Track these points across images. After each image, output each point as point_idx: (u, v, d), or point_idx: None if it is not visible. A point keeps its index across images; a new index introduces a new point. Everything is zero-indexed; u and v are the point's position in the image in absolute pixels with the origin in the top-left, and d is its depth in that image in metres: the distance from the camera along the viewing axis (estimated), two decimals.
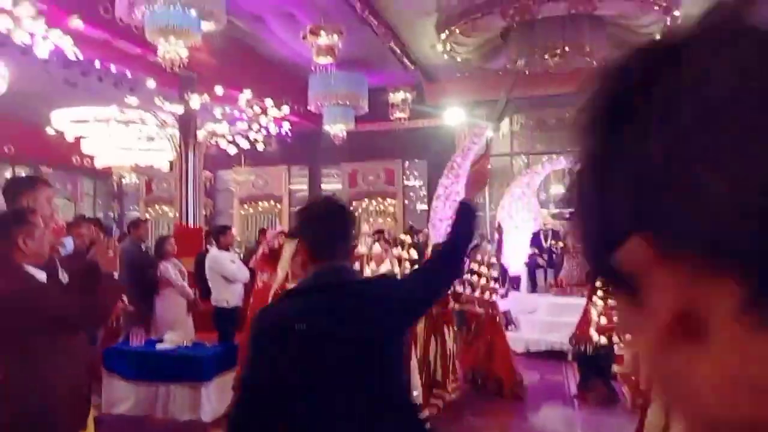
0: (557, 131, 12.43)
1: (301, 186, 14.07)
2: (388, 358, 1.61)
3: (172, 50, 6.39)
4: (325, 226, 1.59)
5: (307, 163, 13.75)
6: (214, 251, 5.47)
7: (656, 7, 8.26)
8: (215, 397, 4.65)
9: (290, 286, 2.98)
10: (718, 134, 0.27)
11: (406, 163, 13.39)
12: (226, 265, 4.80)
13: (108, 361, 4.83)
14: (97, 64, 6.95)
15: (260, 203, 13.85)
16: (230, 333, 5.05)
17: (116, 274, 2.22)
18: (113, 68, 7.48)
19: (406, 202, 13.31)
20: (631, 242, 0.29)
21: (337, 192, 13.95)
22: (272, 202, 13.85)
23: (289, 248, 2.98)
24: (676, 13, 8.42)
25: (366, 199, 13.44)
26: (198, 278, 5.49)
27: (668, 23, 8.73)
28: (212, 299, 5.23)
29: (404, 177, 13.39)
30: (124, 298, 4.12)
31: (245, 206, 13.77)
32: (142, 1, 5.76)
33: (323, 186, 13.98)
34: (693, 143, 0.28)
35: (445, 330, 4.99)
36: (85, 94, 8.49)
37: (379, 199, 13.36)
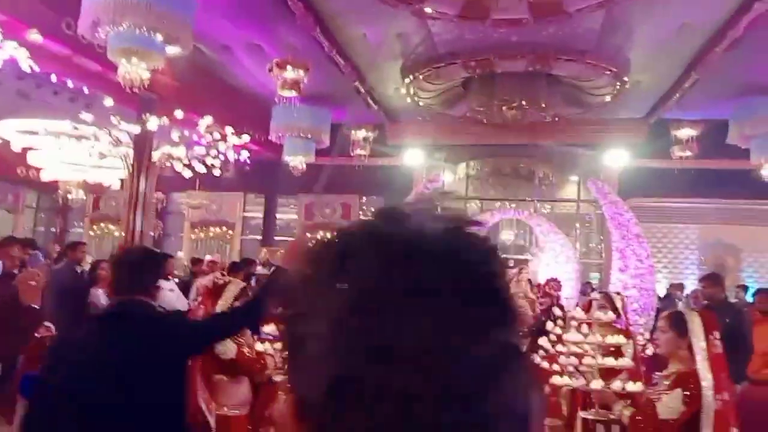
0: (511, 179, 12.85)
1: (255, 214, 13.91)
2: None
3: (133, 71, 6.33)
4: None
5: (264, 192, 13.65)
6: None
7: (607, 72, 8.78)
8: None
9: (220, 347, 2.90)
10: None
11: (363, 199, 13.48)
12: (163, 294, 4.67)
13: (26, 388, 4.59)
14: (54, 78, 6.78)
15: (212, 228, 13.59)
16: None
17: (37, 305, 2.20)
18: (70, 83, 7.32)
19: None
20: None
21: (292, 222, 13.88)
22: (224, 228, 13.62)
23: (233, 287, 2.94)
24: (625, 78, 8.99)
25: (321, 231, 13.39)
26: None
27: (618, 87, 9.29)
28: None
29: (361, 212, 13.45)
30: (48, 324, 3.94)
31: (196, 231, 13.47)
32: (107, 21, 5.70)
33: (278, 215, 13.87)
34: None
35: None
36: (37, 106, 8.26)
37: (335, 232, 13.32)
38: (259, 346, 2.82)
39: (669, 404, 2.20)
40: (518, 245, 12.32)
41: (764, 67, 7.15)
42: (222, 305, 2.85)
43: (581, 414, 2.51)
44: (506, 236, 12.58)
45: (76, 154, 9.55)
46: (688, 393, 2.20)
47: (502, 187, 12.83)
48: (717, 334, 2.26)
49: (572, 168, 12.13)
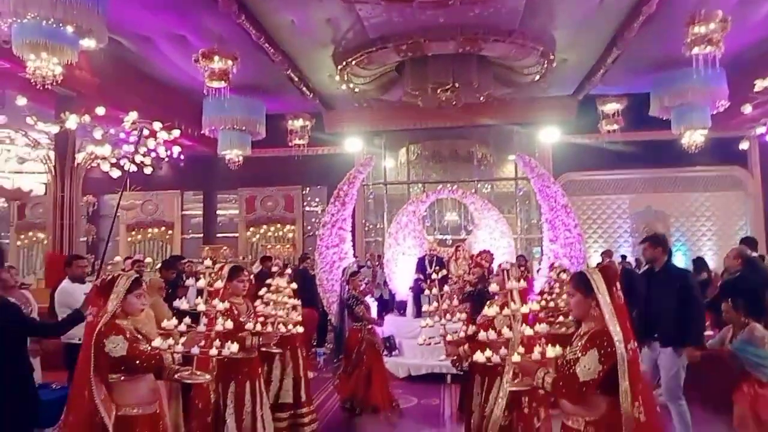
0: (451, 161, 13.01)
1: (195, 211, 13.52)
2: None
3: (44, 67, 5.96)
4: None
5: (202, 188, 13.27)
6: (64, 283, 4.99)
7: (534, 51, 8.98)
8: None
9: (123, 322, 2.79)
10: None
11: (306, 189, 13.34)
12: (77, 299, 4.40)
13: None
14: None
15: (150, 229, 13.11)
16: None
17: None
18: None
19: (307, 227, 13.22)
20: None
21: (234, 218, 13.58)
22: (163, 229, 13.17)
23: (123, 281, 2.84)
24: (552, 56, 9.23)
25: (264, 225, 13.18)
26: (51, 313, 5.00)
27: (545, 66, 9.53)
28: (64, 336, 4.81)
29: (304, 203, 13.31)
30: None
31: (133, 233, 12.96)
32: (8, 14, 5.33)
33: (219, 212, 13.53)
34: None
35: (299, 353, 4.91)
36: None
37: (278, 225, 13.15)
38: (156, 342, 2.72)
39: (587, 366, 2.28)
40: (455, 226, 12.52)
41: (677, 41, 7.49)
42: (114, 300, 2.74)
43: (507, 387, 2.57)
44: (450, 218, 12.76)
45: None
46: (603, 351, 2.27)
47: (442, 169, 12.98)
48: (618, 286, 2.37)
49: (509, 147, 12.40)
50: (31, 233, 13.00)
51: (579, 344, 2.37)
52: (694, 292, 4.37)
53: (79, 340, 4.73)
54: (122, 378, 2.71)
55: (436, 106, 10.06)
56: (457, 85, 9.49)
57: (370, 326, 5.89)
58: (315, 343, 8.86)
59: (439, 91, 9.69)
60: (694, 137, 9.97)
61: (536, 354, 2.38)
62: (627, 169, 12.01)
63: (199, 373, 2.95)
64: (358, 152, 12.12)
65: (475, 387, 3.86)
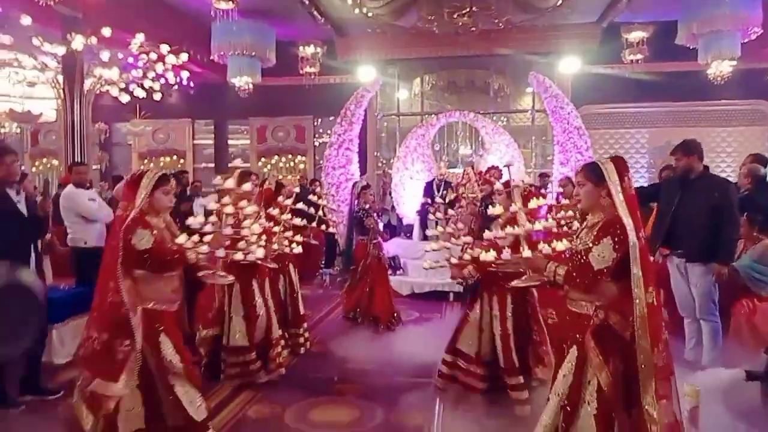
0: (466, 92, 12.67)
1: (206, 141, 13.44)
2: None
3: None
4: None
5: (213, 117, 13.12)
6: (69, 188, 4.98)
7: None
8: (69, 339, 4.64)
9: (152, 220, 2.81)
10: None
11: (318, 121, 13.13)
12: (80, 203, 4.42)
13: None
14: None
15: (162, 158, 13.10)
16: (88, 275, 4.78)
17: None
18: None
19: (318, 158, 13.13)
20: None
21: (245, 148, 13.49)
22: (175, 158, 13.15)
23: (150, 174, 2.86)
24: None
25: (276, 156, 13.11)
26: (56, 217, 5.08)
27: None
28: (68, 239, 4.90)
29: (315, 134, 13.15)
30: None
31: (145, 161, 12.97)
32: None
33: (230, 141, 13.44)
34: None
35: (292, 272, 5.01)
36: None
37: (290, 155, 13.07)
38: (181, 239, 2.75)
39: (601, 254, 2.28)
40: (467, 160, 12.35)
41: None
42: (141, 194, 2.76)
43: (513, 283, 2.58)
44: (463, 152, 12.57)
45: (2, 84, 8.84)
46: (616, 239, 2.26)
47: (457, 100, 12.65)
48: (629, 176, 2.34)
49: (526, 78, 11.99)
50: (45, 159, 13.07)
51: (590, 235, 2.36)
52: (733, 205, 4.06)
53: (85, 243, 4.90)
54: (148, 274, 2.75)
55: (453, 32, 9.67)
56: (474, 9, 9.08)
57: (376, 240, 6.00)
58: (323, 265, 9.03)
59: (455, 15, 9.28)
60: (721, 67, 9.55)
61: (547, 248, 2.39)
62: (648, 101, 11.61)
63: (222, 273, 3.04)
64: (371, 82, 11.81)
65: (483, 305, 3.91)
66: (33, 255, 3.87)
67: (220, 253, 2.82)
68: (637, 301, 2.19)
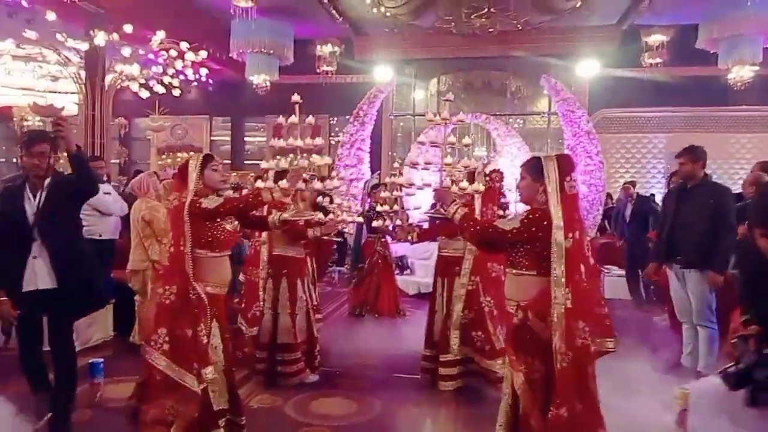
0: (483, 94, 12.65)
1: (223, 137, 13.63)
2: None
3: None
4: None
5: (230, 114, 13.31)
6: None
7: None
8: (83, 328, 4.70)
9: (204, 202, 2.86)
10: None
11: (334, 119, 13.22)
12: (97, 196, 4.57)
13: None
14: None
15: (180, 154, 13.31)
16: (102, 267, 4.95)
17: None
18: None
19: (333, 157, 13.20)
20: None
21: (262, 145, 13.65)
22: (192, 153, 13.32)
23: (196, 158, 2.93)
24: None
25: (291, 154, 13.19)
26: None
27: None
28: (83, 231, 5.05)
29: (331, 133, 13.24)
30: None
31: (163, 157, 13.20)
32: None
33: (246, 138, 13.62)
34: None
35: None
36: None
37: (305, 154, 13.15)
38: (257, 183, 2.86)
39: (507, 221, 2.45)
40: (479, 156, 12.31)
41: None
42: (193, 177, 2.85)
43: (421, 212, 2.77)
44: (478, 152, 12.54)
45: (27, 78, 9.11)
46: (530, 217, 2.35)
47: (474, 102, 12.63)
48: (574, 176, 2.36)
49: None
50: (66, 153, 13.37)
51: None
52: (730, 212, 4.02)
53: (100, 236, 5.05)
54: (208, 254, 2.84)
55: (470, 33, 9.69)
56: (492, 10, 9.09)
57: (384, 239, 6.05)
58: (333, 263, 9.11)
59: (473, 16, 9.31)
60: (742, 72, 9.41)
61: (454, 187, 2.66)
62: (666, 106, 11.46)
63: (309, 212, 3.26)
64: (386, 82, 11.86)
65: (437, 288, 4.17)
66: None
67: (300, 185, 2.97)
68: (556, 302, 2.20)
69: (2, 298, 2.95)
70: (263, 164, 2.89)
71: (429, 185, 2.94)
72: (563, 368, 2.17)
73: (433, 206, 4.93)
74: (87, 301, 3.28)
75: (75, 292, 3.07)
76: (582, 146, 8.03)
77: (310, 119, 3.33)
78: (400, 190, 3.71)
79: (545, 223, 2.28)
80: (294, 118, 3.23)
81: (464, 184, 2.89)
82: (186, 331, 2.72)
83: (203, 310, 2.77)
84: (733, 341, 1.30)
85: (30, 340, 3.15)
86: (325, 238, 4.23)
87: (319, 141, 3.27)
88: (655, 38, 10.35)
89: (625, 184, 7.82)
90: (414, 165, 3.35)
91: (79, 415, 3.30)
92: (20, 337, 3.18)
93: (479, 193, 2.97)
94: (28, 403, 3.11)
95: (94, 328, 5.03)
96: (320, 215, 3.53)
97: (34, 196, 3.04)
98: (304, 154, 3.19)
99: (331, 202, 4.26)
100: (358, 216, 4.28)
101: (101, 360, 3.89)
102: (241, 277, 4.64)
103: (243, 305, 4.31)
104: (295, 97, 3.33)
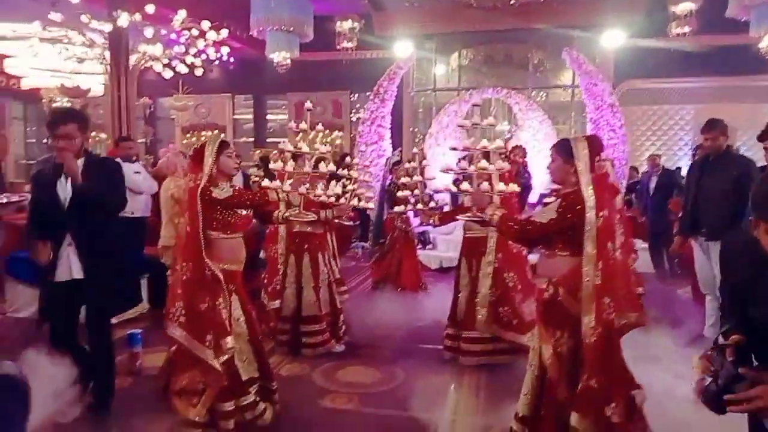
0: (504, 67, 12.47)
1: (246, 116, 13.74)
2: None
3: None
4: None
5: (252, 92, 13.39)
6: None
7: None
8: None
9: (214, 191, 2.98)
10: None
11: (354, 96, 13.21)
12: (127, 175, 4.71)
13: (12, 267, 4.90)
14: None
15: (204, 132, 13.49)
16: (135, 243, 5.17)
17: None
18: None
19: (354, 134, 13.24)
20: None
21: (283, 123, 13.73)
22: (216, 132, 13.50)
23: (212, 143, 3.02)
24: None
25: (312, 132, 13.26)
26: None
27: None
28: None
29: (352, 110, 13.25)
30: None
31: (188, 135, 13.39)
32: None
33: (269, 116, 13.71)
34: None
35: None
36: (2, 8, 7.93)
37: (327, 131, 13.22)
38: (264, 182, 3.01)
39: (544, 212, 2.44)
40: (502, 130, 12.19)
41: None
42: (208, 161, 2.94)
43: (459, 217, 2.93)
44: (500, 128, 12.43)
45: (54, 59, 9.28)
46: (565, 204, 2.36)
47: (495, 75, 12.47)
48: (603, 156, 2.40)
49: None
50: (93, 133, 13.63)
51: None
52: (753, 182, 4.01)
53: (132, 213, 5.21)
54: (220, 235, 2.97)
55: (491, 5, 9.54)
56: None
57: (405, 214, 6.09)
58: (357, 238, 9.22)
59: None
60: None
61: (485, 185, 2.64)
62: (694, 77, 11.17)
63: (306, 212, 3.37)
64: (407, 57, 11.77)
65: (462, 269, 4.19)
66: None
67: (302, 189, 3.13)
68: (587, 279, 2.25)
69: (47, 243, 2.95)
70: (281, 145, 3.02)
71: (463, 190, 2.83)
72: (593, 342, 2.24)
73: (455, 182, 4.95)
74: (113, 300, 3.39)
75: (102, 289, 3.04)
76: (605, 119, 7.92)
77: (320, 127, 3.53)
78: (422, 174, 3.75)
79: (579, 207, 2.31)
80: (304, 125, 3.37)
81: (483, 163, 2.90)
82: (202, 305, 2.82)
83: (219, 285, 2.89)
84: (708, 353, 1.29)
85: (66, 333, 3.02)
86: (336, 221, 4.29)
87: (324, 148, 3.57)
88: (683, 6, 10.05)
89: (651, 155, 7.71)
90: (453, 149, 3.41)
91: (120, 382, 3.46)
92: (52, 328, 3.07)
93: (502, 171, 2.94)
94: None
95: None
96: (336, 195, 3.59)
97: (67, 180, 2.93)
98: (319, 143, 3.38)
99: (344, 187, 4.29)
100: (369, 202, 4.26)
101: (140, 331, 4.06)
102: (262, 254, 4.79)
103: (266, 280, 4.46)
104: (308, 104, 3.48)
